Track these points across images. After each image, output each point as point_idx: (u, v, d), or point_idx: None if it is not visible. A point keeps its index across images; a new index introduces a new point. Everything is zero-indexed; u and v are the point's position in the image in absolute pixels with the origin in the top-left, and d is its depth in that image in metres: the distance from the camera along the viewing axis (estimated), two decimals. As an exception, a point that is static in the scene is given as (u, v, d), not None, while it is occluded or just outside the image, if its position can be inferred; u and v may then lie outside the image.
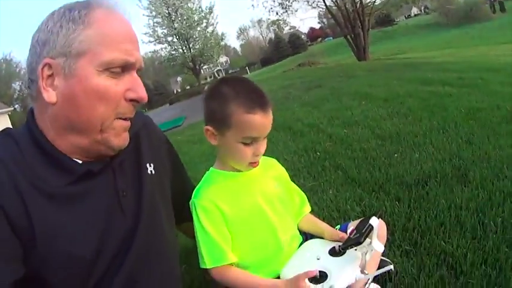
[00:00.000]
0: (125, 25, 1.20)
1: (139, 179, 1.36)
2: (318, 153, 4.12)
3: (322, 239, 1.73)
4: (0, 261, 1.01)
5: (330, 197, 3.04)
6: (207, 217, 1.50)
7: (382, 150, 3.90)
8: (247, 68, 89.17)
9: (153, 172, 1.42)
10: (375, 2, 26.60)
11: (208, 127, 1.55)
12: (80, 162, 1.19)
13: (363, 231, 1.46)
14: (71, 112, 1.13)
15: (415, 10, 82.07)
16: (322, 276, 1.44)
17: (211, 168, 1.68)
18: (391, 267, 1.51)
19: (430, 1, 37.73)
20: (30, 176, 1.10)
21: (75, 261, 1.13)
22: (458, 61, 12.22)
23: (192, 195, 1.58)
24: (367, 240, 1.45)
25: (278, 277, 1.56)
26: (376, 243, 1.47)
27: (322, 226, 1.79)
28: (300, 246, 1.73)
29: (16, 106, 57.22)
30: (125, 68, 1.16)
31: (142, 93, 1.19)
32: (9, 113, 29.89)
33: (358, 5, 25.41)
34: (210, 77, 76.45)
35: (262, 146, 1.57)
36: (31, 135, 1.17)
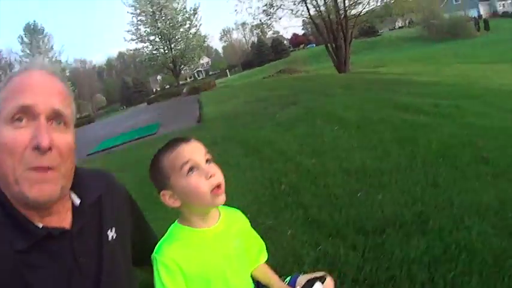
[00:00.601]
0: (32, 78, 1.23)
1: (99, 244, 1.37)
2: (283, 186, 4.17)
3: None
4: None
5: (287, 239, 3.11)
6: (167, 275, 1.54)
7: (346, 188, 3.96)
8: (227, 70, 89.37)
9: (114, 237, 1.44)
10: (359, 14, 26.95)
11: (162, 192, 1.60)
12: (40, 226, 1.21)
13: None
14: None
15: (399, 23, 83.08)
16: None
17: (175, 222, 1.70)
18: None
19: (415, 14, 38.17)
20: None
21: None
22: (437, 82, 12.41)
23: (155, 250, 1.60)
24: None
25: None
26: None
27: (273, 279, 1.86)
28: None
29: None
30: (29, 115, 1.16)
31: (40, 140, 1.13)
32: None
33: (342, 17, 25.73)
34: (190, 78, 76.39)
35: (210, 169, 1.57)
36: None
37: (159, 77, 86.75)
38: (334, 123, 6.83)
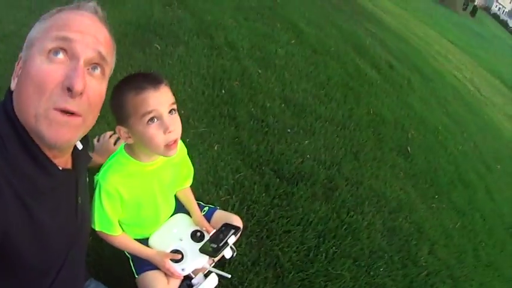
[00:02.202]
0: (82, 16, 1.25)
1: (84, 186, 1.60)
2: (223, 92, 4.32)
3: (189, 217, 2.28)
4: None
5: (213, 154, 3.42)
6: (107, 199, 1.83)
7: (280, 120, 4.24)
8: None
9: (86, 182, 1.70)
10: None
11: (118, 126, 1.77)
12: (60, 168, 1.30)
13: (220, 245, 1.99)
14: (17, 98, 1.19)
15: None
16: (180, 258, 2.04)
17: (122, 147, 1.91)
18: (229, 276, 2.16)
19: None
20: (13, 174, 1.14)
21: (37, 264, 1.29)
22: (402, 36, 12.33)
23: (99, 174, 1.85)
24: None
25: (147, 239, 2.11)
26: (227, 252, 2.07)
27: (193, 207, 2.29)
28: (172, 214, 2.26)
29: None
30: (68, 52, 1.16)
31: (74, 82, 1.12)
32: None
33: None
34: None
35: (171, 122, 1.69)
36: (15, 131, 1.18)
37: None
38: (293, 34, 6.85)
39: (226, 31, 5.67)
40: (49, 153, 1.23)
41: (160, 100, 1.66)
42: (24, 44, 1.23)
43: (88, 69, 1.20)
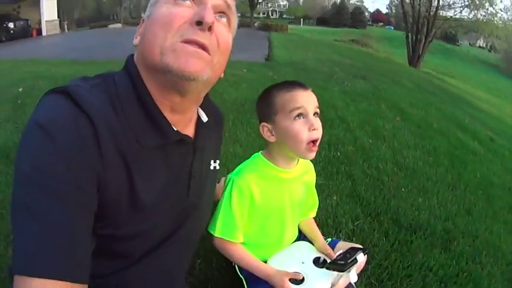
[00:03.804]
0: None
1: (207, 168, 1.36)
2: (339, 154, 4.32)
3: (312, 245, 2.01)
4: (84, 231, 0.96)
5: (332, 203, 3.30)
6: (238, 197, 1.68)
7: (394, 179, 4.10)
8: (301, 19, 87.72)
9: (217, 168, 1.44)
10: (449, 18, 26.23)
11: (263, 123, 1.71)
12: (175, 129, 1.13)
13: (349, 261, 1.69)
14: (141, 46, 1.09)
15: (481, 41, 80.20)
16: (301, 280, 1.72)
17: (259, 153, 1.83)
18: None
19: (499, 42, 36.49)
20: (120, 136, 1.02)
21: (139, 225, 1.12)
22: (498, 117, 12.19)
23: (234, 172, 1.75)
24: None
25: (265, 261, 1.83)
26: (353, 275, 1.72)
27: (317, 235, 2.04)
28: (294, 241, 2.00)
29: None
30: (195, 1, 1.07)
31: (203, 14, 1.01)
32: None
33: (432, 13, 25.08)
34: (263, 14, 75.04)
35: (316, 122, 1.63)
36: (133, 86, 1.08)
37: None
38: (397, 113, 6.89)
39: (336, 109, 5.84)
40: (169, 116, 1.11)
41: (308, 99, 1.63)
42: (148, 6, 1.14)
43: (215, 15, 1.08)
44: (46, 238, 0.87)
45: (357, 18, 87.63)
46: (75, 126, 0.93)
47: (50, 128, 0.91)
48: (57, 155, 0.90)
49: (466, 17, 26.58)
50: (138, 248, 1.16)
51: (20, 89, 6.68)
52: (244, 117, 5.15)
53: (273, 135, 1.68)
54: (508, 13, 25.54)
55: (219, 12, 1.11)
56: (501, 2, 25.20)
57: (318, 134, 1.63)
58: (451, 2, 25.94)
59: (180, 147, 1.18)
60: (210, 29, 1.02)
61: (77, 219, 0.92)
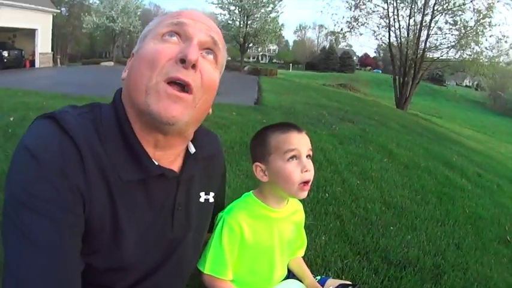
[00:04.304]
0: (193, 11, 1.18)
1: (195, 201, 1.35)
2: (327, 195, 4.39)
3: (301, 283, 2.01)
4: (74, 251, 1.00)
5: (320, 243, 3.34)
6: (228, 236, 1.70)
7: (382, 218, 4.16)
8: (291, 64, 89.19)
9: (209, 200, 1.44)
10: (436, 59, 26.69)
11: (256, 163, 1.73)
12: (156, 163, 1.14)
13: None
14: (127, 82, 1.12)
15: (467, 81, 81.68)
16: None
17: (251, 192, 1.85)
18: None
19: (485, 79, 37.06)
20: (103, 163, 1.05)
21: (118, 259, 1.13)
22: (485, 153, 12.33)
23: (225, 210, 1.76)
24: None
25: None
26: None
27: (306, 273, 2.05)
28: (283, 279, 2.00)
29: (63, 9, 57.87)
30: (181, 35, 1.10)
31: (187, 52, 1.04)
32: (54, 14, 29.97)
33: (418, 55, 25.54)
34: (253, 58, 76.27)
35: (309, 164, 1.65)
36: (118, 119, 1.11)
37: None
38: (384, 154, 7.02)
39: (324, 151, 5.95)
40: (151, 151, 1.13)
41: (301, 141, 1.65)
42: (137, 41, 1.18)
43: (201, 52, 1.11)
44: (37, 262, 0.92)
45: (345, 62, 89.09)
46: (59, 149, 0.98)
47: (35, 150, 0.96)
48: (41, 176, 0.95)
49: (452, 57, 27.00)
50: (123, 280, 1.17)
51: (11, 118, 6.79)
52: (233, 159, 5.28)
53: (266, 175, 1.71)
54: (494, 51, 25.91)
55: (206, 48, 1.13)
56: (486, 40, 25.34)
57: (310, 175, 1.67)
58: (438, 44, 26.43)
59: (161, 182, 1.18)
60: (194, 66, 1.05)
61: (67, 239, 0.97)
